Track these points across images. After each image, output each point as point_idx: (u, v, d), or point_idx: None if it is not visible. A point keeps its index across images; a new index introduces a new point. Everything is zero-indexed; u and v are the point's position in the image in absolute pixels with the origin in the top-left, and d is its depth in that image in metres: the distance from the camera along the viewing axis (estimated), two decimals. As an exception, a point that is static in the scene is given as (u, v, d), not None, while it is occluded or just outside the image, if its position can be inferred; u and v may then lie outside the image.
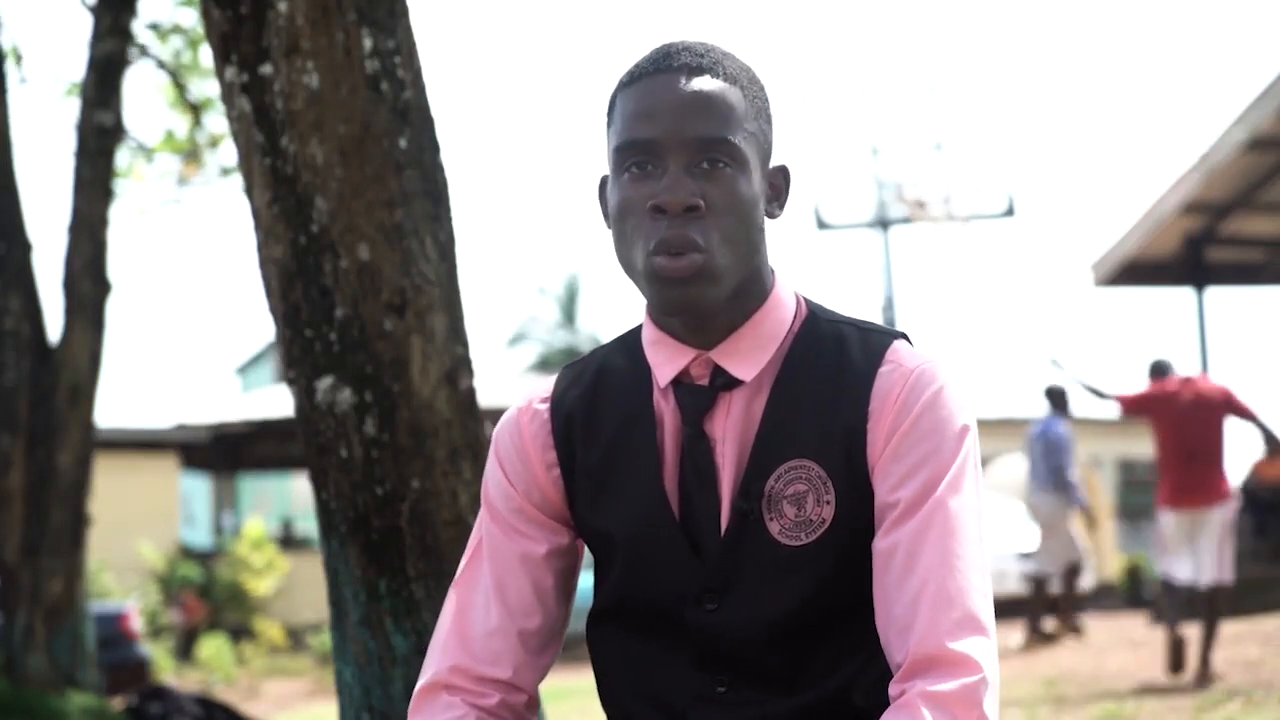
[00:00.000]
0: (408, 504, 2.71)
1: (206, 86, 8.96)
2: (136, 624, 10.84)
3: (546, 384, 1.83)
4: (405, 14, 2.81)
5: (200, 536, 20.59)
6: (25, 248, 7.37)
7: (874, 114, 26.89)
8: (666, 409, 1.73)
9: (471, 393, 2.82)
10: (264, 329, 34.77)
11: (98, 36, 7.48)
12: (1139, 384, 8.30)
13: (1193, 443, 7.70)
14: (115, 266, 7.72)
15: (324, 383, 2.71)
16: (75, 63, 23.40)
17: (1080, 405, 11.55)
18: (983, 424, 1.97)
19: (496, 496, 1.81)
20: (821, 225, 22.80)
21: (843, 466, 1.67)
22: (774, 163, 1.75)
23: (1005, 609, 13.13)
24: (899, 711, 1.55)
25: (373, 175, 2.72)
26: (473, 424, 2.81)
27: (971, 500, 1.65)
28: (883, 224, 22.88)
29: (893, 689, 1.60)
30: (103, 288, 7.44)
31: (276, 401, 17.62)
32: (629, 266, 1.69)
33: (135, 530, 16.63)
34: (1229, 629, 8.37)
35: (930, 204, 22.56)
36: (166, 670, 13.63)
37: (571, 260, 57.73)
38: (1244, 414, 7.70)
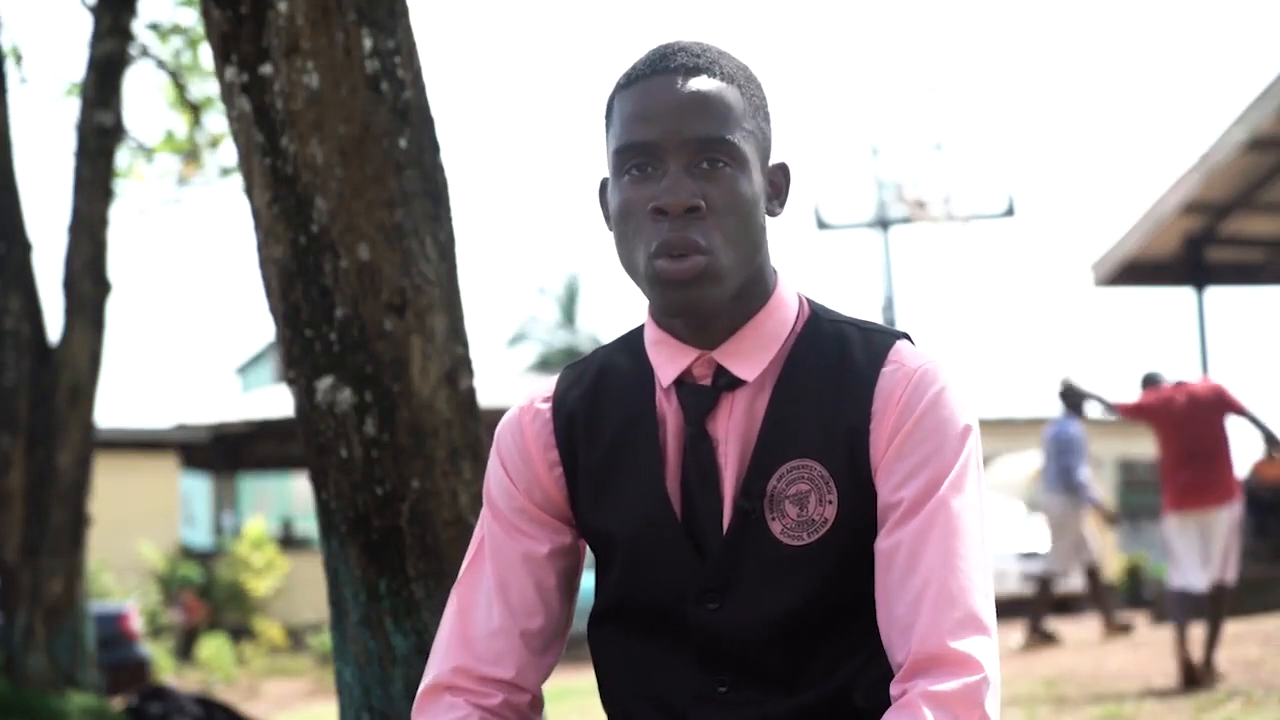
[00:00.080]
0: (408, 504, 2.71)
1: (206, 86, 8.96)
2: (136, 624, 10.85)
3: (548, 384, 1.83)
4: (405, 14, 2.81)
5: (200, 536, 20.59)
6: (25, 248, 7.37)
7: (874, 114, 26.94)
8: (669, 409, 1.73)
9: (471, 393, 2.82)
10: (264, 329, 34.79)
11: (98, 36, 7.48)
12: (1135, 392, 8.32)
13: (1193, 443, 7.69)
14: (115, 266, 7.73)
15: (324, 383, 2.71)
16: (75, 63, 23.43)
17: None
18: (983, 424, 1.96)
19: (498, 496, 1.81)
20: (821, 225, 22.80)
21: (845, 466, 1.67)
22: (774, 160, 1.75)
23: (1005, 609, 13.16)
24: (900, 711, 1.55)
25: (373, 175, 2.72)
26: (473, 424, 2.80)
27: (974, 500, 1.65)
28: (883, 224, 22.88)
29: (894, 688, 1.60)
30: (103, 288, 7.43)
31: (276, 401, 17.63)
32: (631, 268, 1.69)
33: (135, 530, 16.63)
34: (1229, 629, 8.35)
35: (930, 204, 22.56)
36: (166, 670, 13.63)
37: (571, 260, 57.80)
38: (1238, 411, 7.70)
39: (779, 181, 1.76)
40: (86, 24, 7.51)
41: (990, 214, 22.66)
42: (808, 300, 1.77)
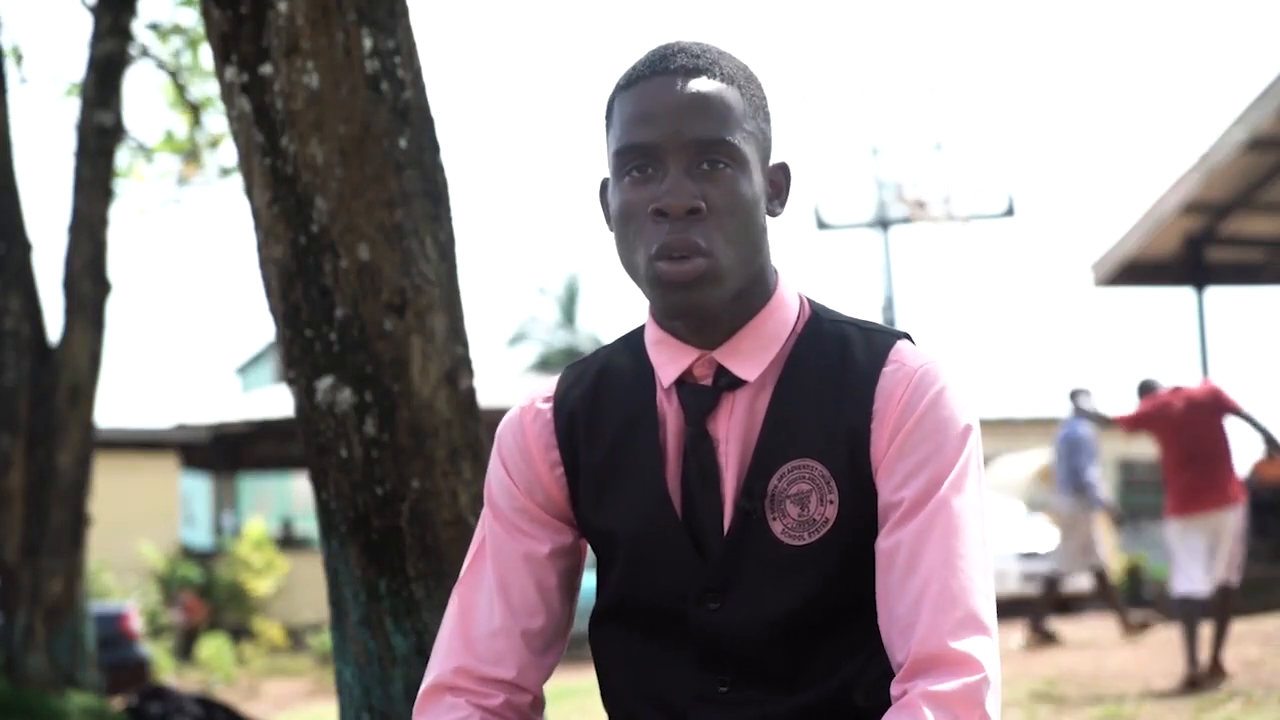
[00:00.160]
0: (408, 504, 2.71)
1: (206, 86, 8.95)
2: (136, 624, 10.85)
3: (549, 383, 1.83)
4: (405, 14, 2.81)
5: (200, 536, 20.59)
6: (25, 248, 7.36)
7: (874, 114, 26.91)
8: (669, 409, 1.73)
9: (471, 393, 2.82)
10: (264, 329, 34.78)
11: (98, 36, 7.47)
12: (1133, 398, 8.34)
13: (1192, 446, 7.68)
14: (115, 266, 7.73)
15: (324, 383, 2.71)
16: (75, 63, 23.42)
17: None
18: (983, 424, 1.96)
19: (500, 496, 1.81)
20: (821, 225, 22.80)
21: (846, 466, 1.67)
22: (774, 160, 1.75)
23: (1006, 609, 13.15)
24: (901, 711, 1.55)
25: (373, 175, 2.72)
26: (473, 424, 2.80)
27: (974, 500, 1.65)
28: (883, 224, 22.89)
29: (894, 689, 1.60)
30: (103, 288, 7.43)
31: (276, 401, 17.63)
32: (632, 269, 1.69)
33: (135, 530, 16.63)
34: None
35: (930, 204, 22.56)
36: (166, 670, 13.64)
37: (571, 260, 57.78)
38: (1235, 411, 7.70)
39: (779, 181, 1.76)
40: (86, 24, 7.52)
41: (990, 214, 22.66)
42: (808, 300, 1.77)
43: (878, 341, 1.72)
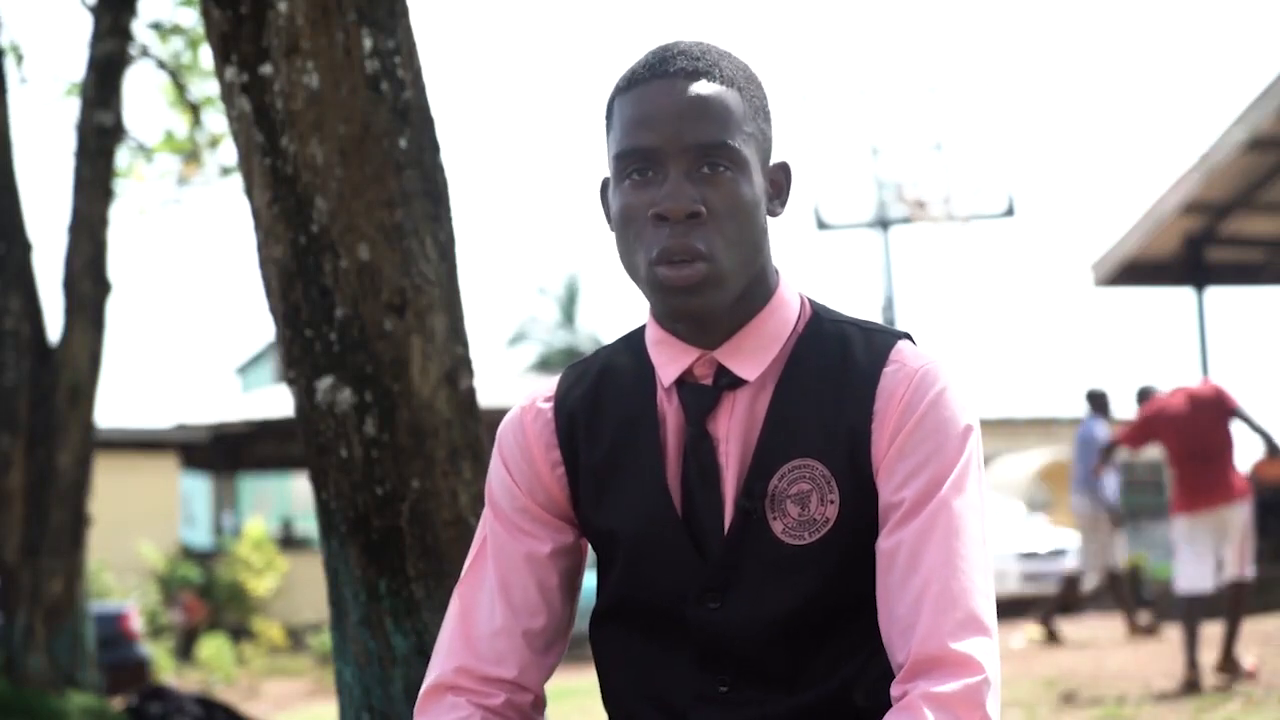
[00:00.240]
0: (408, 504, 2.71)
1: (206, 86, 8.95)
2: (136, 624, 10.84)
3: (550, 383, 1.83)
4: (405, 14, 2.81)
5: (200, 536, 20.59)
6: (25, 248, 7.36)
7: (874, 114, 26.95)
8: (670, 408, 1.73)
9: (471, 393, 2.82)
10: (264, 329, 34.78)
11: (98, 36, 7.47)
12: (1132, 409, 8.37)
13: (1195, 444, 7.68)
14: (115, 266, 7.72)
15: (324, 383, 2.71)
16: (75, 63, 23.42)
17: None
18: (984, 424, 1.96)
19: (501, 495, 1.81)
20: (821, 225, 22.81)
21: (846, 466, 1.67)
22: (774, 159, 1.75)
23: (1006, 609, 13.15)
24: (901, 713, 1.55)
25: (373, 175, 2.72)
26: (473, 424, 2.80)
27: (975, 500, 1.65)
28: (883, 224, 22.90)
29: (895, 690, 1.60)
30: (103, 288, 7.43)
31: (276, 401, 17.63)
32: (632, 272, 1.69)
33: (135, 530, 16.63)
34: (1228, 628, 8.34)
35: (930, 204, 22.57)
36: (166, 670, 13.64)
37: (571, 260, 57.82)
38: (1236, 412, 7.70)
39: (780, 181, 1.76)
40: (86, 24, 7.51)
41: (990, 214, 22.68)
42: (809, 300, 1.78)
43: (878, 341, 1.72)
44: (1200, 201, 13.75)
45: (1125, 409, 10.80)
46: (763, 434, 1.69)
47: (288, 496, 22.38)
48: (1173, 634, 10.28)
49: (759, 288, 1.72)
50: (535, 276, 56.94)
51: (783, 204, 1.76)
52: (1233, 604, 7.64)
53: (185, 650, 15.34)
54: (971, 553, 1.62)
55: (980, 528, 1.64)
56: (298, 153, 2.70)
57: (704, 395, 1.71)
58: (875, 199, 22.89)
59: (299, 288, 2.72)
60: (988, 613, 1.61)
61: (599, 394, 1.78)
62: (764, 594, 1.68)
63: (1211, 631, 7.79)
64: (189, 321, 63.69)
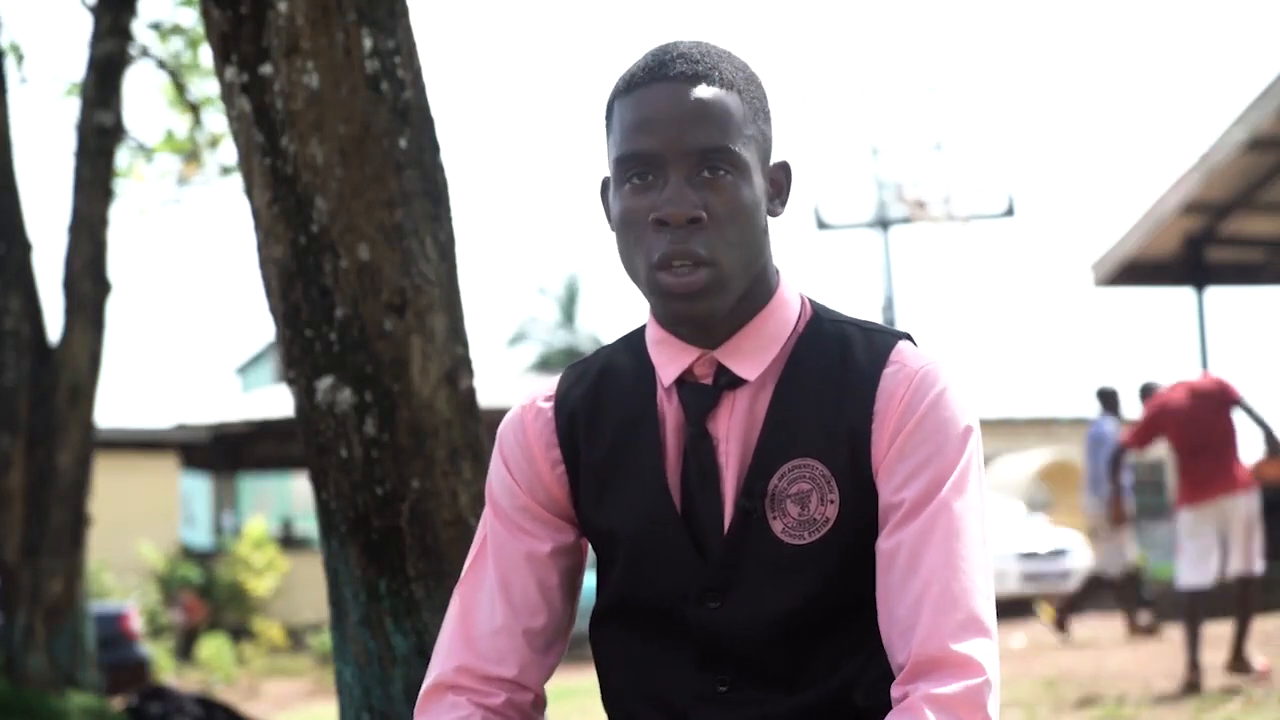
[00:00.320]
0: (408, 504, 2.71)
1: (206, 86, 8.95)
2: (136, 624, 10.84)
3: (550, 383, 1.83)
4: (405, 14, 2.81)
5: (200, 536, 20.59)
6: (25, 248, 7.36)
7: (874, 114, 26.96)
8: (670, 408, 1.73)
9: (471, 393, 2.82)
10: (264, 329, 34.79)
11: (98, 36, 7.47)
12: (1136, 409, 8.37)
13: (1198, 436, 7.66)
14: (115, 266, 7.72)
15: (324, 383, 2.71)
16: (75, 63, 23.41)
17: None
18: (984, 424, 1.97)
19: (501, 495, 1.81)
20: (821, 225, 22.82)
21: (847, 466, 1.67)
22: (774, 159, 1.75)
23: (1006, 609, 13.15)
24: (903, 714, 1.55)
25: (373, 175, 2.71)
26: (473, 424, 2.80)
27: (975, 501, 1.65)
28: (883, 224, 22.91)
29: (895, 691, 1.60)
30: (103, 288, 7.43)
31: (276, 401, 17.63)
32: (633, 274, 1.69)
33: (135, 530, 16.63)
34: (1228, 628, 8.33)
35: (930, 204, 22.58)
36: (166, 670, 13.64)
37: (571, 260, 57.85)
38: (1239, 404, 7.68)
39: (780, 180, 1.76)
40: (86, 24, 7.51)
41: (990, 214, 22.68)
42: (809, 300, 1.78)
43: (879, 342, 1.72)
44: (1200, 201, 13.75)
45: (1130, 408, 10.79)
46: (763, 434, 1.69)
47: (288, 496, 22.38)
48: (1173, 634, 10.29)
49: (759, 288, 1.72)
50: (535, 276, 57.01)
51: (783, 204, 1.76)
52: (1241, 601, 7.59)
53: (185, 650, 15.35)
54: (972, 554, 1.62)
55: (980, 529, 1.64)
56: (298, 153, 2.70)
57: (704, 395, 1.71)
58: (875, 199, 22.90)
59: (299, 288, 2.72)
60: (988, 614, 1.61)
61: (599, 393, 1.78)
62: (764, 594, 1.68)
63: (1214, 631, 7.76)
64: (189, 321, 63.73)
